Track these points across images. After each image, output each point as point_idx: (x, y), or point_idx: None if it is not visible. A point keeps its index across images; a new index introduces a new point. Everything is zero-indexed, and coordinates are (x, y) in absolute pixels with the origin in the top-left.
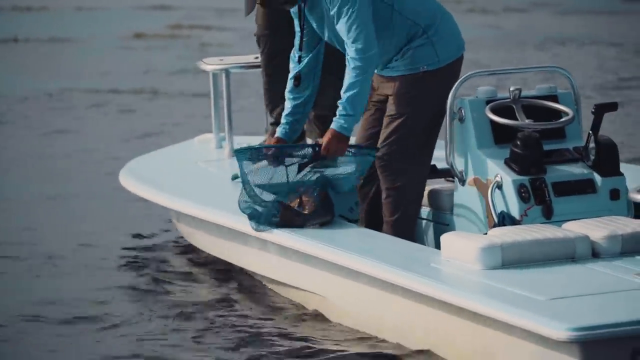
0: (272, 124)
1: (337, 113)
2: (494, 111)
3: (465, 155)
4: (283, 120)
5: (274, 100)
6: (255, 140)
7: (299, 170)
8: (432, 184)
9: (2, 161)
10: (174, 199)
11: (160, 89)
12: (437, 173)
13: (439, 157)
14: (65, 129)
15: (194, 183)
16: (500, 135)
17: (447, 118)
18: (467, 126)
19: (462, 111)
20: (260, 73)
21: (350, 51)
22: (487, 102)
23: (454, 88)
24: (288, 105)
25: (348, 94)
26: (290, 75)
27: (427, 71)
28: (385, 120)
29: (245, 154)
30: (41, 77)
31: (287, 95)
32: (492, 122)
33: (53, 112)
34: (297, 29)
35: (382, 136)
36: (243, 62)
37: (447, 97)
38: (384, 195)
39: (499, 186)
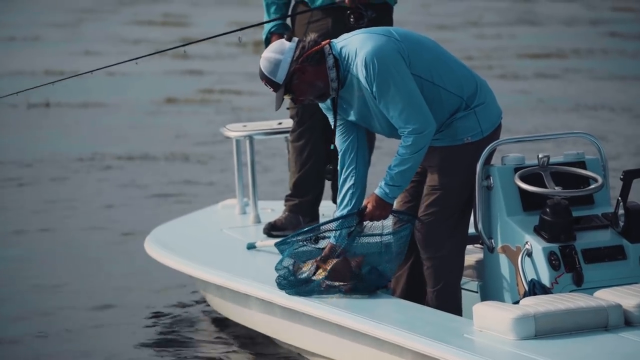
0: (287, 196)
1: (384, 181)
2: (523, 179)
3: (494, 223)
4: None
5: (292, 168)
6: (279, 205)
7: (348, 237)
8: None
9: (32, 222)
10: (201, 268)
11: (191, 153)
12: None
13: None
14: (94, 192)
15: (220, 251)
16: (529, 203)
17: (476, 185)
18: (495, 194)
19: (491, 179)
20: (284, 139)
21: (404, 131)
22: (516, 170)
23: (482, 156)
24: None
25: (399, 168)
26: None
27: (470, 142)
28: (426, 190)
29: (289, 247)
30: (72, 141)
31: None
32: (520, 189)
33: (83, 175)
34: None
35: (422, 207)
36: (266, 128)
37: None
38: (425, 266)
39: (529, 254)
